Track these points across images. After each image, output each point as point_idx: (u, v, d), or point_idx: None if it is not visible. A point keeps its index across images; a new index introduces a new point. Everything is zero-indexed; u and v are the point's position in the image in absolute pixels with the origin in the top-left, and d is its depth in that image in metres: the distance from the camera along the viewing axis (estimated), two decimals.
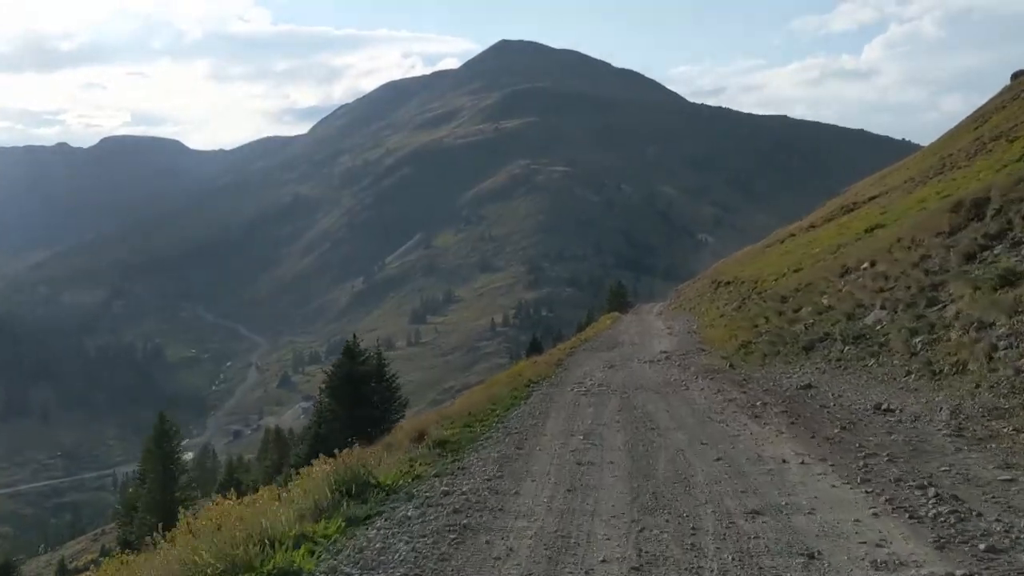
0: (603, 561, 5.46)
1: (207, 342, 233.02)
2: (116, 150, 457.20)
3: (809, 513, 6.13)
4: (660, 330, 27.87)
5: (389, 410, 27.45)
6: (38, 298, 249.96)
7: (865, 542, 5.42)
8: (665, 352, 20.46)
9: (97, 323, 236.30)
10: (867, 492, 6.48)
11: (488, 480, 7.96)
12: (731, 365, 16.12)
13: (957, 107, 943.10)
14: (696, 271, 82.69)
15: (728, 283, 30.13)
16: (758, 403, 11.05)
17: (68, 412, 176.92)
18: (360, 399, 26.56)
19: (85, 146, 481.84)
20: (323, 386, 29.52)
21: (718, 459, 8.08)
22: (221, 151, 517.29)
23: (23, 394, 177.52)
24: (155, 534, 7.69)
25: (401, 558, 5.85)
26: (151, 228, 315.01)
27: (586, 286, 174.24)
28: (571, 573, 5.32)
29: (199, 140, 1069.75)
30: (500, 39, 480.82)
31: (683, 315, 31.95)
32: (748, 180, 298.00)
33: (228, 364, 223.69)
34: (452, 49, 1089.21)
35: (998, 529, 5.44)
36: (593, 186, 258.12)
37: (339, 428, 24.53)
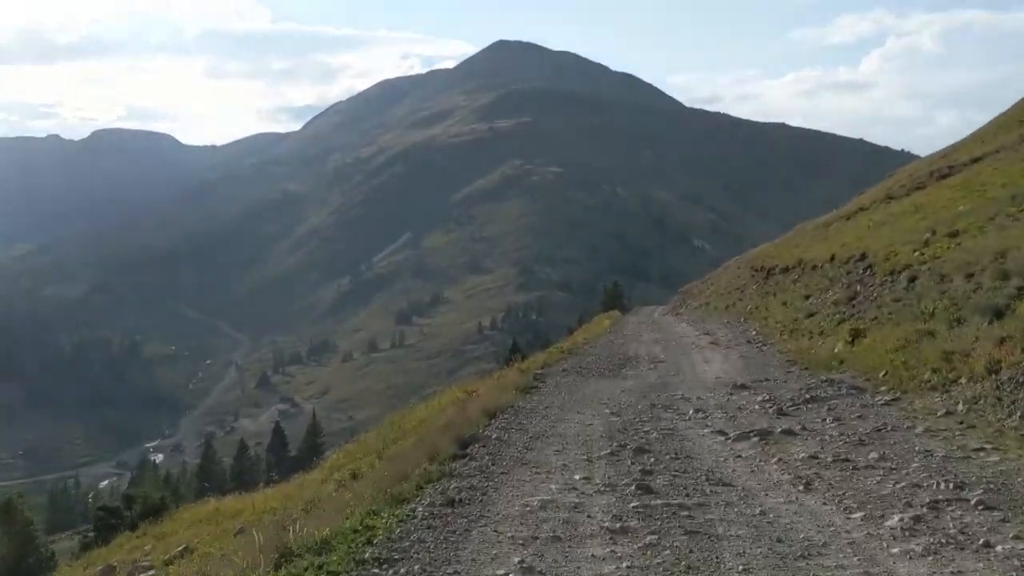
0: None
1: (187, 339, 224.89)
2: (107, 143, 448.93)
3: None
4: (693, 338, 19.83)
5: None
6: (19, 291, 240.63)
7: None
8: (745, 387, 11.91)
9: (76, 317, 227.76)
10: None
11: None
12: None
13: (953, 122, 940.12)
14: (693, 277, 76.42)
15: (788, 269, 22.64)
16: None
17: (34, 410, 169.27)
18: None
19: (77, 139, 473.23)
20: None
21: None
22: (212, 147, 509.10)
23: None
24: None
25: None
26: (138, 222, 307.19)
27: (578, 290, 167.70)
28: None
29: (194, 136, 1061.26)
30: (498, 39, 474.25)
31: (716, 316, 24.51)
32: (746, 187, 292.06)
33: (208, 362, 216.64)
34: (451, 51, 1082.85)
35: None
36: (587, 188, 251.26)
37: None
